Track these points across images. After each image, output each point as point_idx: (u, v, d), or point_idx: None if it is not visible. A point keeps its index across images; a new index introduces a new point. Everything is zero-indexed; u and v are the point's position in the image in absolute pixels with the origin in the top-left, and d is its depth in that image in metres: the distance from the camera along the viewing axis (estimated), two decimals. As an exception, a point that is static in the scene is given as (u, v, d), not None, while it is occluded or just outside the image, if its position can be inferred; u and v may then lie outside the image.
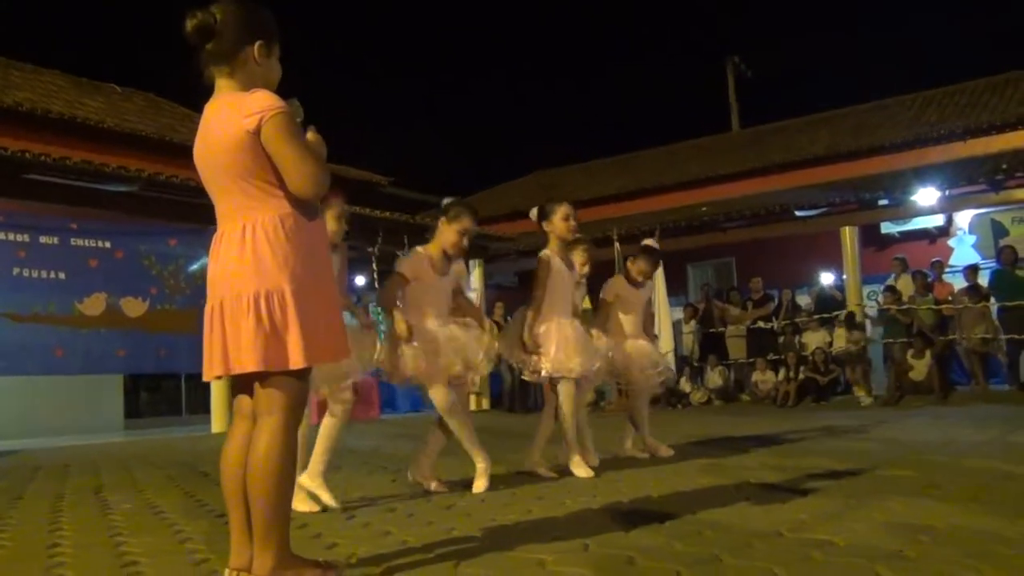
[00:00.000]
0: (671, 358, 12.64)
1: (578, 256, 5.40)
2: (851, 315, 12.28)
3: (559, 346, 4.73)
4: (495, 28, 67.40)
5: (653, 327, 6.34)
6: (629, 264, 5.87)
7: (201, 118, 2.37)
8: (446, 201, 4.43)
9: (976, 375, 11.38)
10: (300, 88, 2.42)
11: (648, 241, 6.02)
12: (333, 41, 62.32)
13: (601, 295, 5.78)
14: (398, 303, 4.26)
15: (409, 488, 4.42)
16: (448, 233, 4.33)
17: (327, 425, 4.09)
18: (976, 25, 53.87)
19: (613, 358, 5.51)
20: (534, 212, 5.03)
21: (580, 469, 4.72)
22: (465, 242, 4.36)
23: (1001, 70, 17.36)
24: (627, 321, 5.73)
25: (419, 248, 4.41)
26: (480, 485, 4.24)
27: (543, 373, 4.77)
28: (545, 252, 4.87)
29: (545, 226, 4.91)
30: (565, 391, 4.82)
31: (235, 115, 2.24)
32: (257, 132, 2.22)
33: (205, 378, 2.36)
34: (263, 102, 2.23)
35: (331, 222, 4.00)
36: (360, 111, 55.14)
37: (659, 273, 12.78)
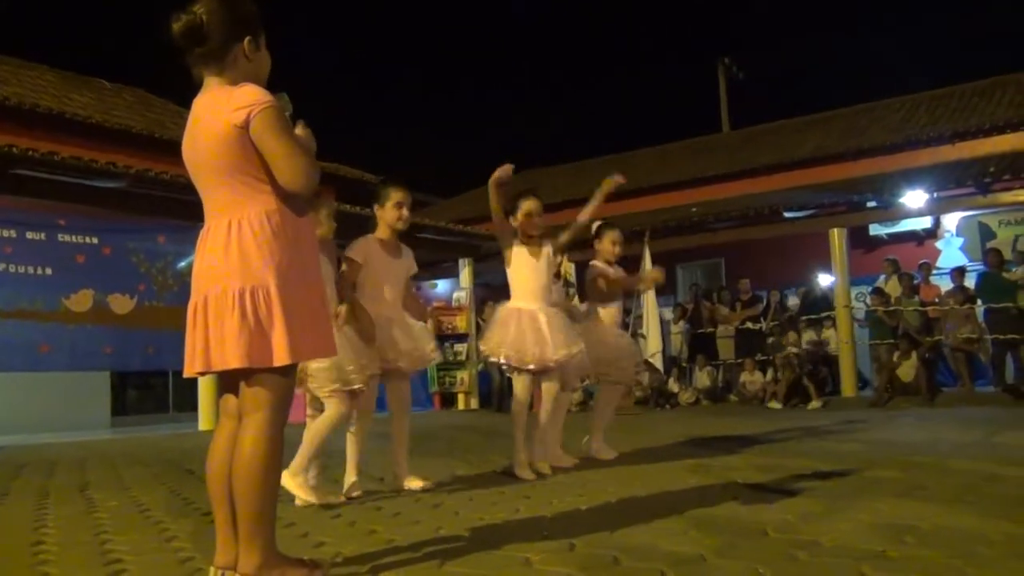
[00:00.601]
0: (659, 359, 12.69)
1: (608, 239, 5.51)
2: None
3: (512, 334, 4.60)
4: (487, 27, 67.38)
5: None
6: (597, 243, 5.67)
7: (190, 113, 2.36)
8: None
9: (962, 375, 11.46)
10: (291, 85, 2.41)
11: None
12: (325, 38, 62.22)
13: (587, 279, 5.62)
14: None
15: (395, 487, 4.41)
16: (385, 213, 4.36)
17: (320, 422, 4.04)
18: (965, 29, 54.15)
19: (590, 351, 5.29)
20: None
21: (523, 471, 4.59)
22: (404, 212, 4.36)
23: (989, 74, 17.47)
24: (607, 313, 5.57)
25: (366, 236, 4.41)
26: (356, 492, 4.15)
27: (495, 359, 4.70)
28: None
29: (511, 220, 4.83)
30: (516, 383, 4.75)
31: (223, 110, 2.23)
32: (245, 127, 2.21)
33: (186, 374, 2.34)
34: (251, 96, 2.22)
35: (323, 220, 4.03)
36: (351, 108, 55.08)
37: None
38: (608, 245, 5.54)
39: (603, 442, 5.57)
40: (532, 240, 4.79)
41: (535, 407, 5.02)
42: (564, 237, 5.05)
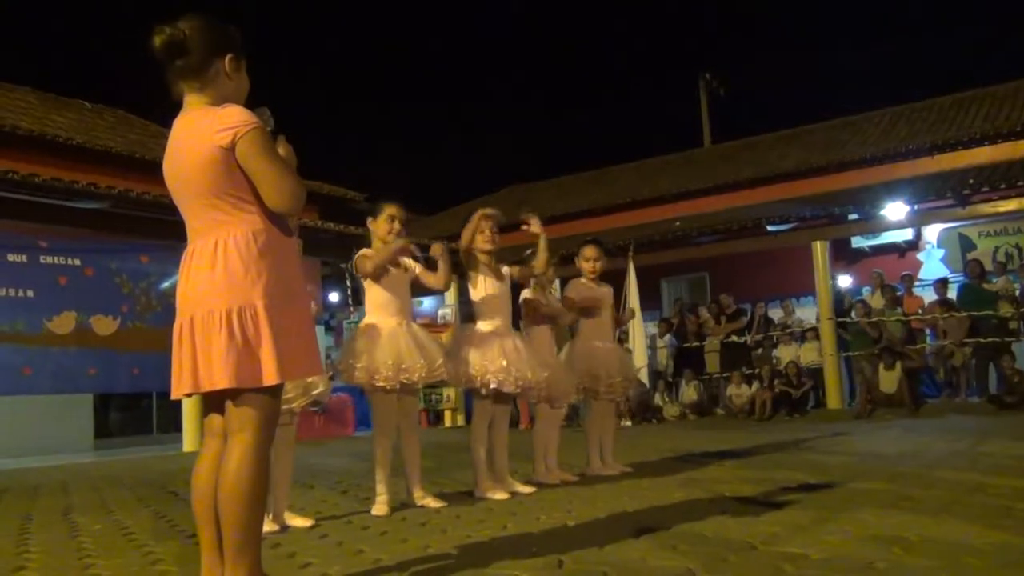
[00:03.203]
0: (645, 373, 12.71)
1: (582, 257, 5.53)
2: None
3: (475, 354, 4.57)
4: (469, 45, 67.67)
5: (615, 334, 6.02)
6: (577, 260, 5.69)
7: (170, 134, 2.35)
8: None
9: (957, 388, 11.54)
10: (271, 100, 2.41)
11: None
12: (306, 55, 62.27)
13: (564, 295, 5.61)
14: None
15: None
16: (377, 226, 4.40)
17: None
18: (943, 43, 54.80)
19: (578, 365, 5.36)
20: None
21: (495, 493, 4.54)
22: (397, 225, 4.38)
23: (967, 87, 17.68)
24: (592, 324, 5.53)
25: (364, 250, 4.43)
26: (377, 510, 4.13)
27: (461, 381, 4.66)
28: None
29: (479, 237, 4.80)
30: (475, 407, 4.76)
31: (207, 131, 2.22)
32: (231, 148, 2.21)
33: (174, 396, 2.32)
34: (236, 117, 2.22)
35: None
36: (333, 126, 55.09)
37: (633, 286, 12.90)
38: (583, 263, 5.60)
39: (610, 457, 5.59)
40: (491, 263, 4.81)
41: (523, 423, 5.03)
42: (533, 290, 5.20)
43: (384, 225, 4.38)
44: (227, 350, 2.18)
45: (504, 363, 4.54)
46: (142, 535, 3.83)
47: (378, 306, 4.35)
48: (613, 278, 6.46)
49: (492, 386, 4.52)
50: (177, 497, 5.28)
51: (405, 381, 4.21)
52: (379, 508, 4.14)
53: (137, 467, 8.37)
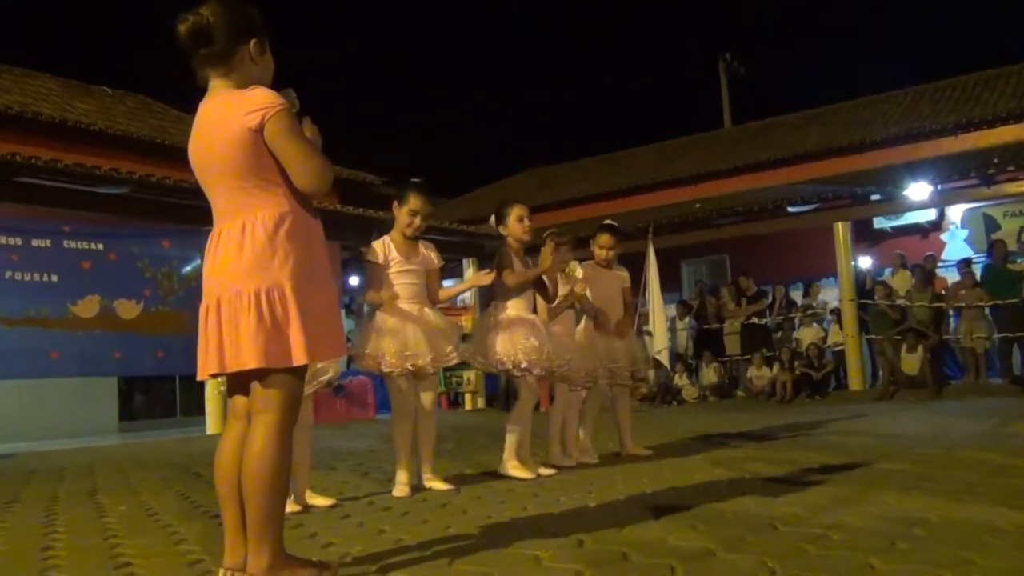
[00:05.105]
0: (665, 355, 12.68)
1: (596, 244, 5.54)
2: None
3: (502, 339, 4.59)
4: (488, 26, 67.39)
5: (634, 323, 5.96)
6: (592, 243, 5.68)
7: (196, 117, 2.36)
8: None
9: (978, 372, 11.41)
10: (294, 83, 2.41)
11: (608, 221, 5.83)
12: (325, 39, 62.26)
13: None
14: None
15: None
16: (399, 216, 4.42)
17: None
18: (968, 20, 54.00)
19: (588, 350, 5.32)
20: (492, 219, 4.95)
21: (519, 471, 4.57)
22: (417, 221, 4.39)
23: (992, 65, 17.41)
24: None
25: (381, 237, 4.47)
26: (398, 492, 4.17)
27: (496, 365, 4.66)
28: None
29: (502, 230, 4.85)
30: (521, 389, 4.78)
31: (235, 113, 2.23)
32: (259, 130, 2.22)
33: (200, 376, 2.35)
34: (264, 99, 2.23)
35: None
36: (353, 109, 55.09)
37: (653, 269, 12.85)
38: (596, 248, 5.63)
39: (629, 441, 5.61)
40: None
41: (543, 407, 5.03)
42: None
43: (405, 217, 4.39)
44: (256, 331, 2.20)
45: (536, 343, 4.57)
46: (167, 515, 3.87)
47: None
48: (633, 260, 6.45)
49: (523, 366, 4.54)
50: (201, 478, 5.34)
51: (411, 367, 4.25)
52: (400, 490, 4.17)
53: (161, 449, 8.46)
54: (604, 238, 5.58)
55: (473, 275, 4.55)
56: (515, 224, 4.67)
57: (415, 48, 67.12)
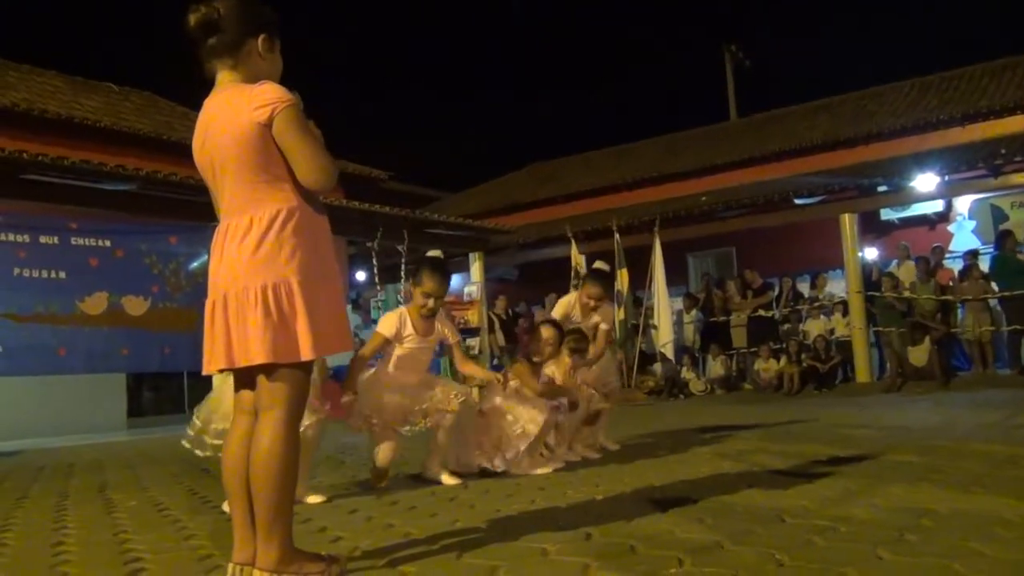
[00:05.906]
0: (670, 348, 12.69)
1: (584, 292, 5.59)
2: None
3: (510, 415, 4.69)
4: (492, 19, 67.26)
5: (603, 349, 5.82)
6: (580, 286, 5.85)
7: (201, 111, 2.36)
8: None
9: (984, 362, 11.38)
10: (299, 78, 2.41)
11: (599, 264, 5.83)
12: (332, 35, 62.21)
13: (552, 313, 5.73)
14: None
15: (412, 482, 4.43)
16: (415, 295, 4.48)
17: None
18: (974, 10, 53.70)
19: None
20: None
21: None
22: (431, 303, 4.41)
23: (999, 55, 17.33)
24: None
25: (402, 308, 4.57)
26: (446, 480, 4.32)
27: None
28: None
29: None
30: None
31: (243, 107, 2.23)
32: (268, 124, 2.21)
33: (205, 371, 2.35)
34: (273, 94, 2.23)
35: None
36: (358, 105, 55.06)
37: (659, 263, 12.86)
38: (583, 294, 5.64)
39: (601, 436, 5.65)
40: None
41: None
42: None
43: (419, 299, 4.43)
44: (263, 326, 2.20)
45: (541, 417, 4.63)
46: (176, 511, 3.90)
47: (388, 359, 4.48)
48: (640, 254, 6.44)
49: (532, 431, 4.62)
50: (209, 474, 5.36)
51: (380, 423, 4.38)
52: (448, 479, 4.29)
53: (170, 445, 8.47)
54: (593, 288, 5.59)
55: (492, 375, 4.72)
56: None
57: (419, 42, 67.10)
